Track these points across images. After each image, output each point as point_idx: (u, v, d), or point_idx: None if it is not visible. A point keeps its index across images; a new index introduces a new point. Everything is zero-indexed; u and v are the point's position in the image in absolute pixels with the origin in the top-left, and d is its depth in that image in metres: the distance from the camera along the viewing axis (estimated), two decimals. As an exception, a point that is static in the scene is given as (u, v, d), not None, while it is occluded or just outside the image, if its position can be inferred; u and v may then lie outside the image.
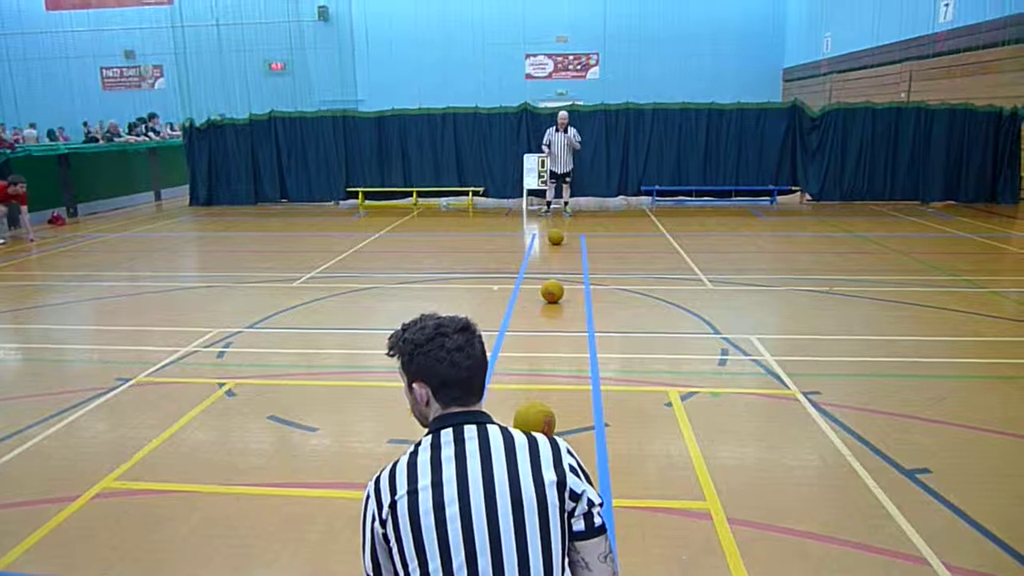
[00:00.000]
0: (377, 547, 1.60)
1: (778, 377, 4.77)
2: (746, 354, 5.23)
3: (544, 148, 12.80)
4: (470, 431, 1.62)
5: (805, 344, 5.53)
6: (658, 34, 26.98)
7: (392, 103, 15.59)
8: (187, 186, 15.14)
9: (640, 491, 3.37)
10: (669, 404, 4.34)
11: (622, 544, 2.97)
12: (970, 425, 4.05)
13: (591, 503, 1.61)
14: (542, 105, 15.08)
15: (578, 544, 1.62)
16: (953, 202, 13.22)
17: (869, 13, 20.33)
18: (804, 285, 7.34)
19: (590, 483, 1.64)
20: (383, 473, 1.62)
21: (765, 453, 3.82)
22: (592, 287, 7.32)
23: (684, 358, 5.25)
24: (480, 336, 1.69)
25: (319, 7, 25.49)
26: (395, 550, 1.57)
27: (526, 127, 13.98)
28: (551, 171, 12.95)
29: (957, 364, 5.13)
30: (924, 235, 10.40)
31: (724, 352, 5.30)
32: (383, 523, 1.57)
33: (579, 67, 28.83)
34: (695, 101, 14.01)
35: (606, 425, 4.05)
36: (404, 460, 1.62)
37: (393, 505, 1.57)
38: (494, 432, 1.63)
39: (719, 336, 5.66)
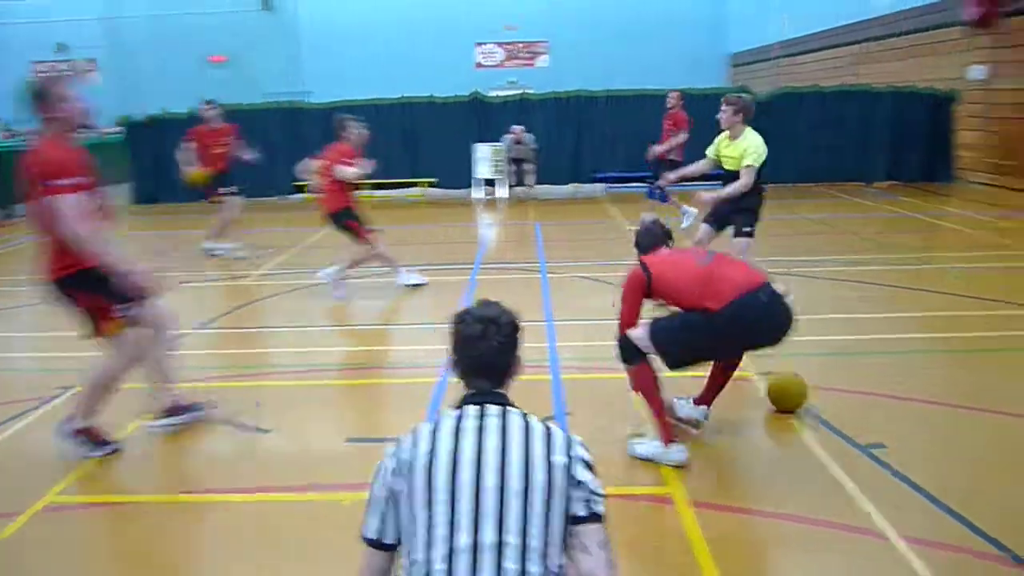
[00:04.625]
0: (387, 504, 1.71)
1: (735, 359, 4.81)
2: (703, 337, 5.26)
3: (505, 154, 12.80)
4: (493, 410, 1.76)
5: (760, 325, 5.60)
6: (606, 21, 27.01)
7: (341, 94, 15.30)
8: (129, 184, 14.65)
9: (604, 479, 3.34)
10: (631, 390, 4.33)
11: (587, 533, 2.95)
12: (922, 399, 4.15)
13: (594, 492, 1.72)
14: (493, 94, 14.98)
15: (578, 528, 1.70)
16: (895, 182, 13.60)
17: (812, -2, 20.67)
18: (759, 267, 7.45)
19: (595, 476, 1.75)
20: (404, 435, 1.76)
21: (725, 435, 3.85)
22: (549, 276, 7.30)
23: (643, 344, 5.26)
24: (506, 327, 1.84)
25: (261, -5, 24.81)
26: (404, 506, 1.67)
27: (477, 116, 13.88)
28: (511, 158, 12.91)
29: (909, 340, 5.26)
30: (870, 215, 10.67)
31: (682, 336, 5.32)
32: (396, 475, 1.69)
33: (529, 55, 28.75)
34: (646, 88, 14.08)
35: (568, 414, 4.03)
36: (427, 425, 1.75)
37: (411, 461, 1.68)
38: (515, 415, 1.77)
39: (676, 320, 5.69)
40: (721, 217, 5.78)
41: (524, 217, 11.16)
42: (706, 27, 27.59)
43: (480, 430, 1.71)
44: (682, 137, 9.66)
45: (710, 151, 5.89)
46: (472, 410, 1.77)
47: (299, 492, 3.41)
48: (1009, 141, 12.88)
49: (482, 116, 13.84)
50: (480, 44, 27.83)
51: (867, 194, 12.66)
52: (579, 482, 1.71)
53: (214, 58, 24.84)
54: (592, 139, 13.90)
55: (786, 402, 3.97)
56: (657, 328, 3.46)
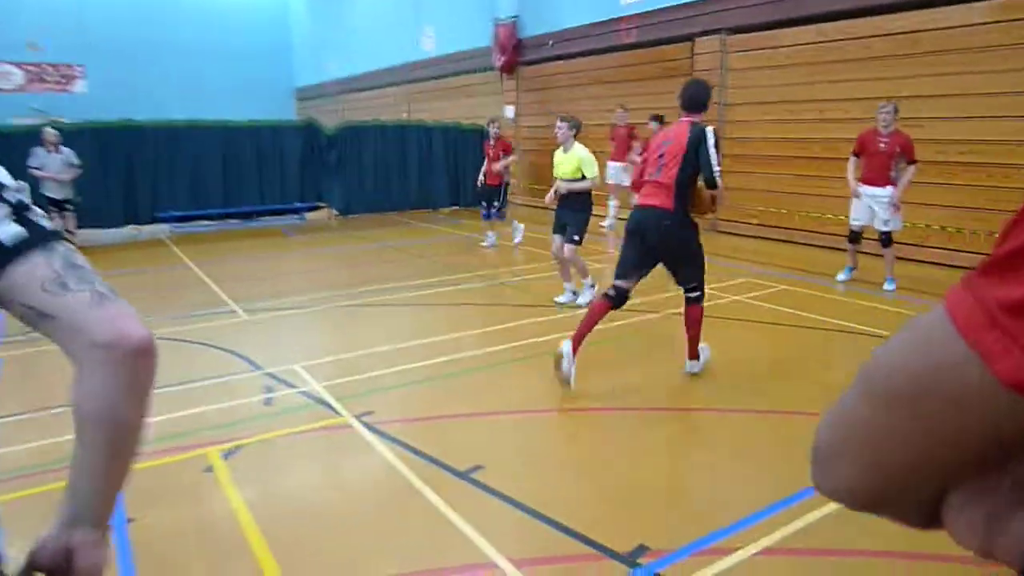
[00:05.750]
0: None
1: (329, 405, 4.49)
2: (292, 386, 4.83)
3: (34, 172, 10.29)
4: None
5: (351, 363, 5.38)
6: (155, 47, 24.72)
7: None
8: None
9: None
10: (209, 468, 3.66)
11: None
12: (509, 411, 4.36)
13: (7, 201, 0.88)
14: (15, 122, 12.26)
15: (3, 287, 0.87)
16: (457, 207, 14.98)
17: (366, 40, 21.83)
18: (341, 301, 7.29)
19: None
20: None
21: (325, 497, 3.48)
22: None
23: (224, 407, 4.56)
24: None
25: None
26: None
27: (-11, 149, 11.13)
28: (47, 198, 10.50)
29: (487, 354, 5.56)
30: (437, 239, 11.46)
31: (269, 389, 4.80)
32: None
33: (61, 79, 24.73)
34: (205, 119, 13.04)
35: (129, 521, 3.19)
36: None
37: None
38: None
39: (261, 372, 5.14)
40: (563, 225, 6.72)
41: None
42: (269, 59, 27.17)
43: None
44: (513, 158, 10.75)
45: (555, 170, 6.81)
46: None
47: None
48: (535, 168, 15.31)
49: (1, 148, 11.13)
50: (-12, 63, 23.00)
51: (435, 219, 13.66)
52: None
53: None
54: (146, 175, 12.26)
55: None
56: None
